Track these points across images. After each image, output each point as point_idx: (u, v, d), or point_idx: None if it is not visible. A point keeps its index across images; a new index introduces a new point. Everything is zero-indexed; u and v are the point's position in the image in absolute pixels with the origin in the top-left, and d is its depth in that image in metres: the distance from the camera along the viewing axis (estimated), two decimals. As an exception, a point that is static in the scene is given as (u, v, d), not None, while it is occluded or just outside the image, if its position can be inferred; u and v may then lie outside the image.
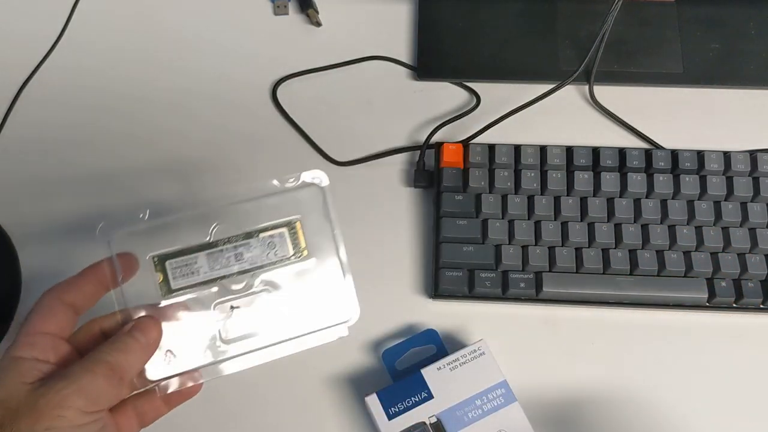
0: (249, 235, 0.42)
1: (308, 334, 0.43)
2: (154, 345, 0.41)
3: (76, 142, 0.61)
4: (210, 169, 0.60)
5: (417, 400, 0.48)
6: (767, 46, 0.63)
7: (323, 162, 0.60)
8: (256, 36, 0.66)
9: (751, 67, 0.63)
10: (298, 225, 0.43)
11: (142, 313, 0.42)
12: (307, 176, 0.43)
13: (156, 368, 0.42)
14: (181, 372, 0.42)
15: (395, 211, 0.58)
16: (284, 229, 0.43)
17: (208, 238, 0.42)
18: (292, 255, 0.43)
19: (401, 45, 0.65)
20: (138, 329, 0.41)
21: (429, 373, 0.49)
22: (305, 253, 0.43)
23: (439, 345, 0.52)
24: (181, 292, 0.42)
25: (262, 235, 0.42)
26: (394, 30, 0.66)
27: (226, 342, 0.42)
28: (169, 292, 0.42)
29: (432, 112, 0.62)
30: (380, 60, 0.64)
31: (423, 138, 0.60)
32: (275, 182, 0.43)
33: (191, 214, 0.42)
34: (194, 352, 0.42)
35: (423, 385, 0.48)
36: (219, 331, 0.42)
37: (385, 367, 0.52)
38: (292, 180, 0.43)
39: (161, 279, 0.42)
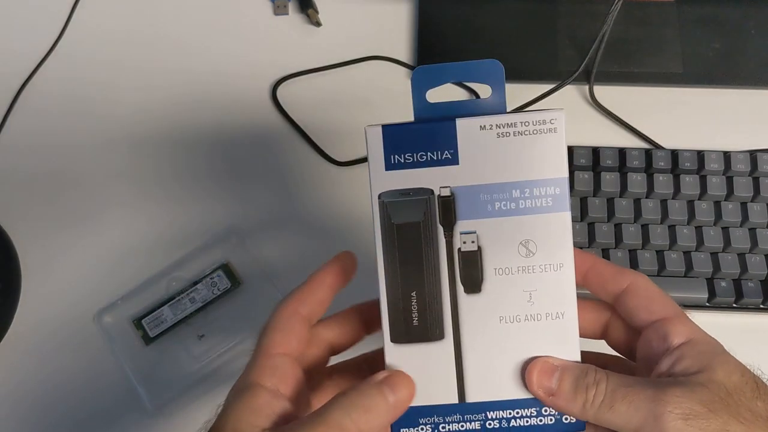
0: (196, 282, 0.55)
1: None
2: (401, 408, 0.33)
3: (75, 141, 0.61)
4: (209, 170, 0.60)
5: (434, 158, 0.34)
6: (767, 46, 0.63)
7: (323, 162, 0.60)
8: (256, 36, 0.66)
9: (751, 67, 0.63)
10: (229, 264, 0.56)
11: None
12: (227, 227, 0.57)
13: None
14: (176, 383, 0.52)
15: (395, 211, 0.58)
16: (220, 270, 0.56)
17: (167, 294, 0.55)
18: (231, 286, 0.55)
19: (401, 45, 0.65)
20: (389, 385, 0.33)
21: (466, 127, 0.33)
22: (241, 282, 0.55)
23: (500, 93, 0.35)
24: (159, 338, 0.54)
25: (205, 279, 0.55)
26: (394, 30, 0.66)
27: (200, 359, 0.54)
28: (149, 341, 0.54)
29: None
30: (380, 60, 0.64)
31: (423, 138, 0.60)
32: (206, 238, 0.56)
33: (150, 277, 0.55)
34: (180, 369, 0.54)
35: (451, 141, 0.33)
36: (193, 354, 0.54)
37: (413, 92, 0.37)
38: (217, 235, 0.57)
39: (142, 334, 0.54)
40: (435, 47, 0.64)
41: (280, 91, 0.63)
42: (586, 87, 0.62)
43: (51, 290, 0.56)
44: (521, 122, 0.33)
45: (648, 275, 0.53)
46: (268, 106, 0.63)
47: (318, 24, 0.66)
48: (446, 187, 0.34)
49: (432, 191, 0.34)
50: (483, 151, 0.33)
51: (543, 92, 0.58)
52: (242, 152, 0.61)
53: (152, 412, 0.52)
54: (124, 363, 0.53)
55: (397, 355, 0.34)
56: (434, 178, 0.33)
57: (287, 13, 0.66)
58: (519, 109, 0.58)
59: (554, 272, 0.33)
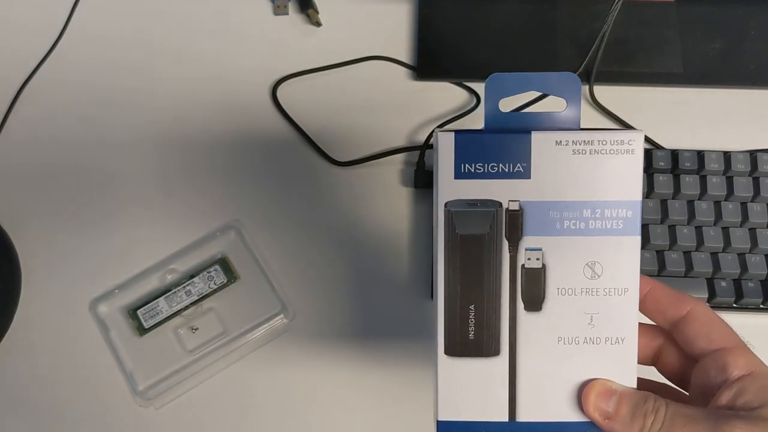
0: (192, 275, 0.55)
1: (251, 331, 0.53)
2: None
3: (76, 141, 0.61)
4: (210, 168, 0.60)
5: (506, 170, 0.32)
6: (767, 46, 0.63)
7: (323, 162, 0.60)
8: (256, 36, 0.66)
9: (751, 67, 0.63)
10: (227, 258, 0.56)
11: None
12: (226, 222, 0.57)
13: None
14: (167, 374, 0.53)
15: (395, 211, 0.58)
16: (217, 264, 0.56)
17: (163, 286, 0.55)
18: (228, 281, 0.55)
19: (401, 45, 0.65)
20: None
21: (541, 141, 0.33)
22: (238, 277, 0.55)
23: (575, 108, 0.34)
24: (153, 329, 0.54)
25: (202, 273, 0.55)
26: (394, 30, 0.66)
27: (193, 352, 0.53)
28: (143, 331, 0.54)
29: (432, 112, 0.62)
30: (380, 60, 0.64)
31: (423, 138, 0.60)
32: (204, 233, 0.56)
33: (147, 269, 0.55)
34: (172, 361, 0.53)
35: (524, 154, 0.33)
36: (186, 347, 0.54)
37: (485, 100, 0.34)
38: (216, 230, 0.56)
39: (136, 325, 0.54)
40: (435, 47, 0.64)
41: (280, 92, 0.63)
42: (586, 87, 0.62)
43: (51, 289, 0.56)
44: (599, 141, 0.32)
45: (648, 275, 0.54)
46: (268, 107, 0.63)
47: (318, 24, 0.66)
48: (515, 201, 0.33)
49: (500, 204, 0.33)
50: (556, 166, 0.33)
51: (543, 92, 0.58)
52: (243, 152, 0.61)
53: (143, 402, 0.52)
54: (118, 353, 0.53)
55: (449, 368, 0.34)
56: (504, 191, 0.33)
57: (287, 13, 0.66)
58: (519, 110, 0.58)
59: (618, 297, 0.33)
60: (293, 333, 0.54)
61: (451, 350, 0.34)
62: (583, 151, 0.33)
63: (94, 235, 0.58)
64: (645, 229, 0.55)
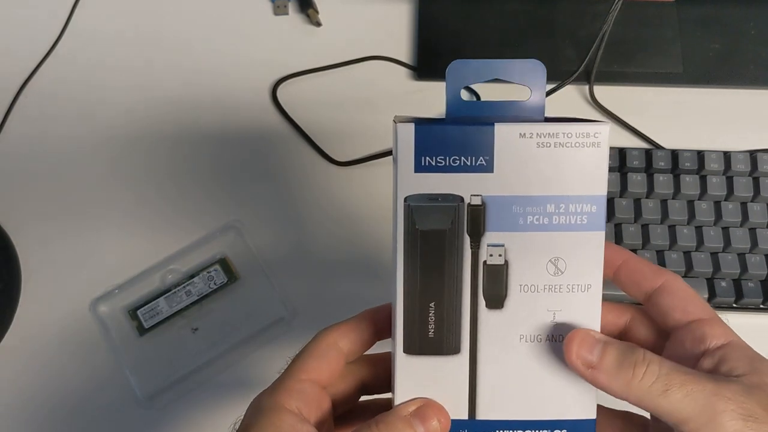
0: (192, 275, 0.55)
1: (251, 331, 0.54)
2: None
3: (76, 141, 0.61)
4: (210, 168, 0.60)
5: (468, 164, 0.31)
6: (767, 46, 0.63)
7: (323, 162, 0.60)
8: (256, 36, 0.66)
9: (751, 67, 0.63)
10: (227, 258, 0.56)
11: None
12: (227, 222, 0.57)
13: None
14: (168, 374, 0.53)
15: (395, 211, 0.58)
16: (217, 264, 0.56)
17: (163, 286, 0.55)
18: (228, 281, 0.55)
19: (401, 45, 0.65)
20: (419, 417, 0.32)
21: (505, 134, 0.31)
22: (238, 277, 0.55)
23: (539, 96, 0.34)
24: (153, 329, 0.54)
25: (202, 272, 0.55)
26: (394, 30, 0.66)
27: (193, 352, 0.54)
28: (144, 331, 0.54)
29: (432, 112, 0.62)
30: (380, 60, 0.64)
31: (423, 138, 0.60)
32: (204, 233, 0.56)
33: (147, 269, 0.55)
34: (172, 361, 0.54)
35: (487, 147, 0.31)
36: (187, 347, 0.54)
37: (447, 88, 0.35)
38: (216, 230, 0.56)
39: (136, 324, 0.54)
40: (435, 47, 0.64)
41: (280, 91, 0.63)
42: (586, 87, 0.62)
43: (51, 289, 0.56)
44: (564, 133, 0.31)
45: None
46: (268, 106, 0.63)
47: (318, 24, 0.66)
48: (477, 195, 0.31)
49: (462, 198, 0.31)
50: (520, 160, 0.31)
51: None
52: (243, 152, 0.61)
53: (143, 402, 0.52)
54: (118, 353, 0.53)
55: (407, 367, 0.33)
56: (465, 185, 0.31)
57: (287, 13, 0.66)
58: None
59: (581, 293, 0.32)
60: (293, 333, 0.54)
61: (410, 349, 0.33)
62: (548, 144, 0.31)
63: (94, 235, 0.58)
64: (645, 229, 0.55)
